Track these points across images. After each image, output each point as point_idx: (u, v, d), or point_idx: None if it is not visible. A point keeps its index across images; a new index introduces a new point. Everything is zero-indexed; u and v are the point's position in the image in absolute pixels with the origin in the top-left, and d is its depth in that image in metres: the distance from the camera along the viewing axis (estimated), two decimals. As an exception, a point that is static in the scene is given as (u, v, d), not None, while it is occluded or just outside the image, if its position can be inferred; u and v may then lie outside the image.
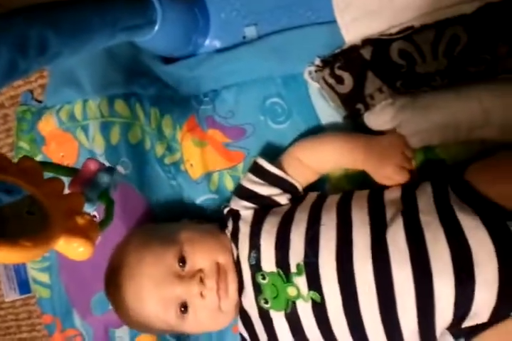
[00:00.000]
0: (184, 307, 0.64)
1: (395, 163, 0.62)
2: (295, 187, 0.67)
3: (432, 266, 0.53)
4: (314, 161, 0.67)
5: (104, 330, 0.92)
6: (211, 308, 0.64)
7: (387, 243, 0.55)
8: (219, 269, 0.64)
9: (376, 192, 0.63)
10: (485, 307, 0.53)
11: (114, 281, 0.68)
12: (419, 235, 0.54)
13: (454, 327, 0.56)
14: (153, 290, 0.64)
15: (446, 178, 0.59)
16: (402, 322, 0.56)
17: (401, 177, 0.62)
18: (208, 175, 0.77)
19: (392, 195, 0.61)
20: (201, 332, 0.75)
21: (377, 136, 0.64)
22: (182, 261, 0.65)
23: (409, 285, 0.54)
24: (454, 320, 0.54)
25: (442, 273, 0.53)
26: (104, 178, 0.50)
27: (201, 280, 0.63)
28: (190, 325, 0.66)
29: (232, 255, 0.66)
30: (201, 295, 0.63)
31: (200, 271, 0.64)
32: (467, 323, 0.55)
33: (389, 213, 0.58)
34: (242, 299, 0.65)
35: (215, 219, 0.75)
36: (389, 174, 0.63)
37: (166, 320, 0.66)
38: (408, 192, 0.60)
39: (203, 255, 0.65)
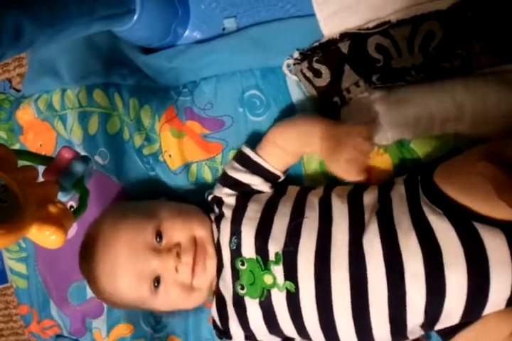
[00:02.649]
0: (157, 282, 0.65)
1: (348, 152, 0.59)
2: (276, 176, 0.68)
3: (404, 268, 0.54)
4: (285, 143, 0.66)
5: (81, 321, 0.92)
6: (183, 284, 0.65)
7: (362, 243, 0.56)
8: (196, 244, 0.65)
9: (355, 192, 0.63)
10: (456, 308, 0.54)
11: (88, 252, 0.68)
12: (393, 237, 0.55)
13: (427, 327, 0.57)
14: (128, 263, 0.64)
15: (417, 178, 0.60)
16: (373, 321, 0.57)
17: (354, 169, 0.60)
18: (187, 166, 0.77)
19: (370, 197, 0.61)
20: (171, 310, 0.72)
21: (341, 123, 0.63)
22: (159, 235, 0.65)
23: (382, 285, 0.55)
24: (425, 320, 0.55)
25: (414, 275, 0.54)
26: (79, 167, 0.50)
27: (178, 255, 0.64)
28: (160, 300, 0.66)
29: (213, 235, 0.67)
30: (176, 269, 0.64)
31: (178, 245, 0.64)
32: (440, 325, 0.56)
33: (367, 214, 0.59)
34: (220, 281, 0.66)
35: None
36: (342, 164, 0.60)
37: (138, 294, 0.66)
38: (384, 193, 0.61)
39: (180, 228, 0.66)
